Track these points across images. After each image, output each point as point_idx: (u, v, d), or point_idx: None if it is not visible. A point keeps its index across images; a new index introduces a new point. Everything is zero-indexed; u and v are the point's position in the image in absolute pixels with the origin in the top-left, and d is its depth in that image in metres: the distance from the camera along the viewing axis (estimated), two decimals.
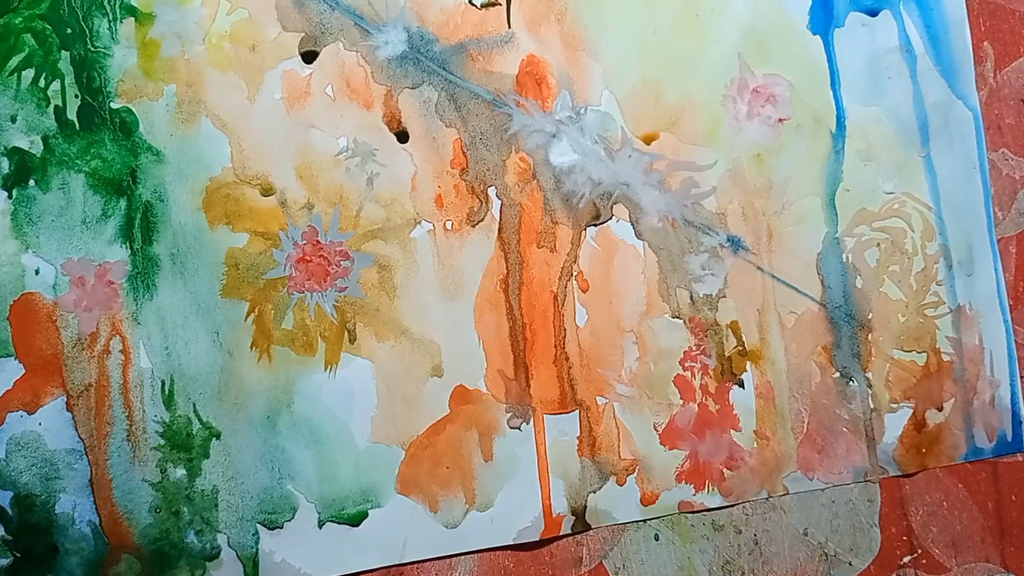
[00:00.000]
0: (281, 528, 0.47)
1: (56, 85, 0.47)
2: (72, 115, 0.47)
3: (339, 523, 0.47)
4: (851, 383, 0.51)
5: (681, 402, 0.50)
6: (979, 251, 0.52)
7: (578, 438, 0.49)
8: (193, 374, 0.47)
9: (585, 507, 0.49)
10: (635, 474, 0.50)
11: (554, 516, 0.49)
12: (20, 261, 0.46)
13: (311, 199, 0.48)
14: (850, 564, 0.51)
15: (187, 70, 0.47)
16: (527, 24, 0.50)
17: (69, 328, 0.46)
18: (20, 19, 0.47)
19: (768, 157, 0.51)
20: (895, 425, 0.51)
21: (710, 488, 0.50)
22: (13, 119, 0.46)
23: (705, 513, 0.50)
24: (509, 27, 0.50)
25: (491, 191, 0.49)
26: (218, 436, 0.47)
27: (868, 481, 0.51)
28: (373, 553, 0.48)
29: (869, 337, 0.51)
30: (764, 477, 0.51)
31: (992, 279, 0.52)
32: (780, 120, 0.51)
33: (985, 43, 0.53)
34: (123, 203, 0.47)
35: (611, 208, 0.50)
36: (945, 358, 0.52)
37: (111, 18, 0.47)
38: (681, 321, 0.50)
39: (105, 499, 0.46)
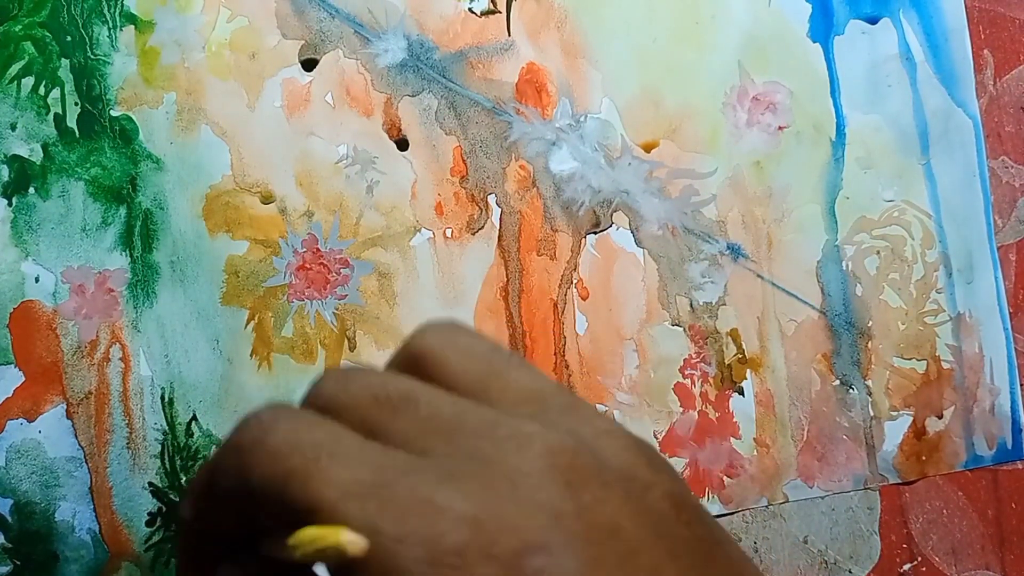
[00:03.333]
0: None
1: (56, 93, 0.47)
2: (72, 123, 0.47)
3: None
4: (851, 391, 0.51)
5: (681, 410, 0.50)
6: (979, 259, 0.52)
7: None
8: (193, 382, 0.47)
9: None
10: None
11: None
12: (20, 269, 0.46)
13: (311, 207, 0.48)
14: (850, 572, 0.51)
15: (187, 78, 0.47)
16: (527, 32, 0.50)
17: (69, 336, 0.46)
18: (20, 27, 0.47)
19: (768, 165, 0.51)
20: (895, 433, 0.51)
21: (710, 496, 0.50)
22: (13, 127, 0.46)
23: None
24: (509, 35, 0.50)
25: (491, 199, 0.49)
26: (218, 444, 0.47)
27: (868, 489, 0.51)
28: None
29: (869, 345, 0.51)
30: (764, 485, 0.51)
31: (992, 287, 0.52)
32: (780, 128, 0.51)
33: (985, 51, 0.53)
34: (123, 211, 0.47)
35: (611, 216, 0.50)
36: (945, 366, 0.52)
37: (111, 26, 0.47)
38: (681, 329, 0.50)
39: (105, 507, 0.46)
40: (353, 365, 0.22)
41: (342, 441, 0.18)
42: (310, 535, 0.17)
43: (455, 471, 0.17)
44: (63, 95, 0.47)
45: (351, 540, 0.16)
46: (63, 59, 0.47)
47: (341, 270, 0.48)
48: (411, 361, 0.21)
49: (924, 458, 0.51)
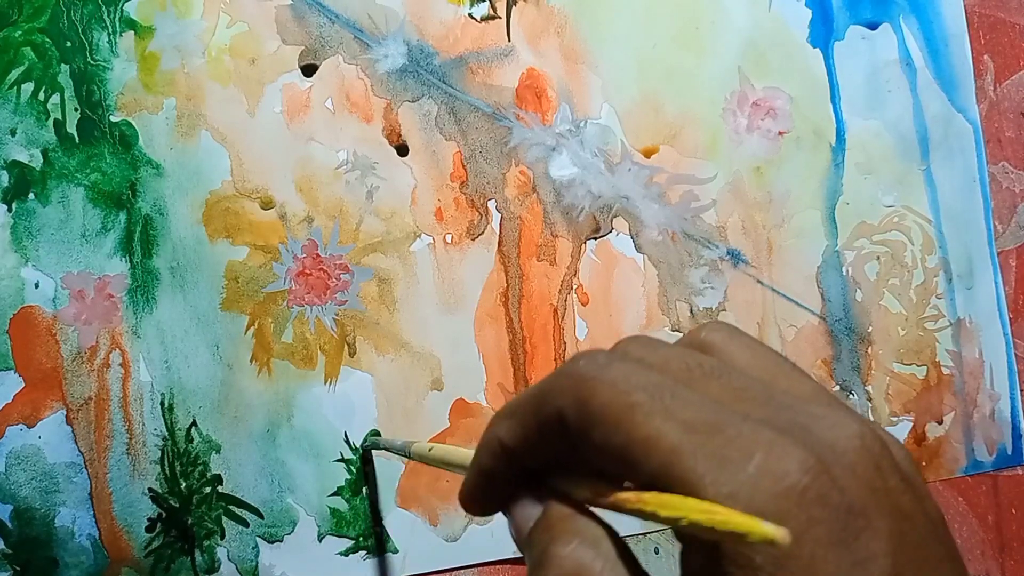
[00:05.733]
0: (281, 541, 0.47)
1: (56, 98, 0.47)
2: (72, 128, 0.47)
3: (339, 537, 0.47)
4: (851, 396, 0.51)
5: None
6: (979, 264, 0.52)
7: None
8: (193, 387, 0.47)
9: None
10: None
11: None
12: (20, 274, 0.46)
13: (311, 212, 0.48)
14: None
15: (187, 83, 0.47)
16: (527, 37, 0.50)
17: (69, 341, 0.46)
18: (20, 32, 0.47)
19: (768, 170, 0.51)
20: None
21: None
22: (13, 132, 0.46)
23: None
24: (509, 40, 0.50)
25: (491, 204, 0.49)
26: (218, 450, 0.47)
27: None
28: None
29: (869, 350, 0.51)
30: None
31: (992, 292, 0.52)
32: (780, 133, 0.51)
33: (985, 56, 0.53)
34: (123, 216, 0.47)
35: (611, 221, 0.50)
36: (945, 371, 0.52)
37: (111, 31, 0.47)
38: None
39: (105, 512, 0.46)
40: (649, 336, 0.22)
41: (676, 386, 0.19)
42: (709, 514, 0.17)
43: (783, 428, 0.18)
44: (63, 101, 0.47)
45: (781, 534, 0.17)
46: (63, 65, 0.47)
47: (341, 276, 0.48)
48: (699, 349, 0.22)
49: (924, 464, 0.51)
